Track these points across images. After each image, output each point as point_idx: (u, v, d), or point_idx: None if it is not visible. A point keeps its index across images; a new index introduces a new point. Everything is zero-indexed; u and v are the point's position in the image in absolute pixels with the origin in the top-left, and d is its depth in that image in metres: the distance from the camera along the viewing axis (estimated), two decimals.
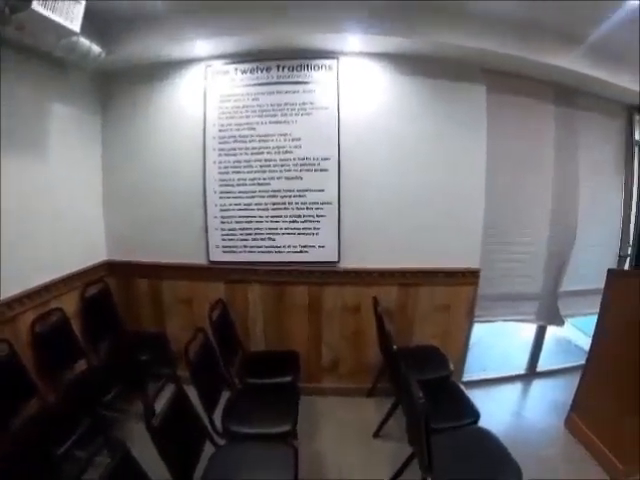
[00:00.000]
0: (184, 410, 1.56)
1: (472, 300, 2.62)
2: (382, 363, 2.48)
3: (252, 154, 2.52)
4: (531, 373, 3.02)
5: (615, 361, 2.17)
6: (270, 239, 2.55)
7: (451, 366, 2.32)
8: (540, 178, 2.79)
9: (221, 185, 2.56)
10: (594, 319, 2.34)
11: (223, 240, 2.59)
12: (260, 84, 2.49)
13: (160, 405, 1.44)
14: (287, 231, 2.53)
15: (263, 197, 2.53)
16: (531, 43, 2.29)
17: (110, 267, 2.75)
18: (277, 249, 2.55)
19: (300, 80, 2.47)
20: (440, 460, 1.51)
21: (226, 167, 2.54)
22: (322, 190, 2.49)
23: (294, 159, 2.49)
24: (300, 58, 2.44)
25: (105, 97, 2.65)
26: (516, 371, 3.03)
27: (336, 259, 2.53)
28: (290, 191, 2.50)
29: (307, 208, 2.50)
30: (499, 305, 2.79)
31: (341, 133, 2.46)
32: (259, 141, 2.51)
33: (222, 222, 2.58)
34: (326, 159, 2.47)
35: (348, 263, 2.53)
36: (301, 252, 2.53)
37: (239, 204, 2.55)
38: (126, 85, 2.61)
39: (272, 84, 2.48)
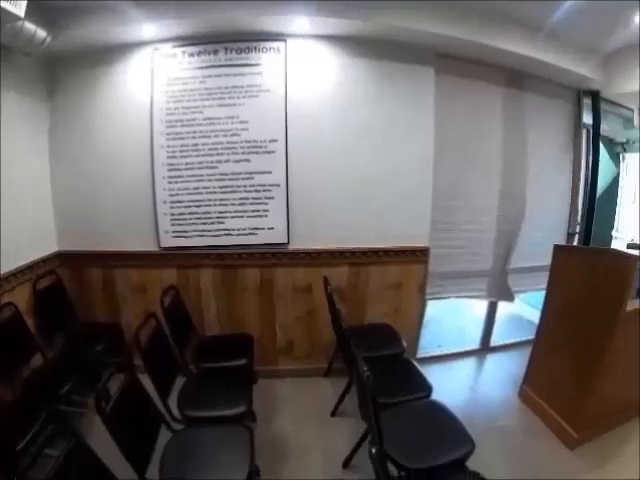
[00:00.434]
0: (137, 396, 1.56)
1: (423, 278, 2.67)
2: (337, 342, 2.51)
3: (200, 137, 2.48)
4: (485, 348, 3.10)
5: (562, 334, 2.26)
6: (219, 222, 2.53)
7: (404, 343, 2.35)
8: (489, 159, 2.85)
9: (169, 170, 2.52)
10: (543, 295, 2.41)
11: (173, 225, 2.56)
12: (207, 67, 2.45)
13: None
14: (236, 214, 2.52)
15: (211, 181, 2.50)
16: (482, 27, 2.33)
17: (61, 258, 2.68)
18: (227, 232, 2.54)
19: (248, 63, 2.45)
20: (391, 433, 1.52)
21: (174, 151, 2.50)
22: (270, 172, 2.48)
23: (242, 142, 2.47)
24: (248, 41, 2.42)
25: (52, 83, 2.55)
26: (471, 346, 3.11)
27: (285, 240, 2.53)
28: (238, 174, 2.49)
29: (255, 190, 2.50)
30: (450, 282, 2.85)
31: (289, 115, 2.45)
32: (207, 124, 2.47)
33: (171, 207, 2.55)
34: (274, 141, 2.47)
35: (298, 244, 2.54)
36: (250, 234, 2.53)
37: (188, 188, 2.52)
38: (74, 70, 2.53)
39: (219, 67, 2.45)
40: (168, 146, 2.51)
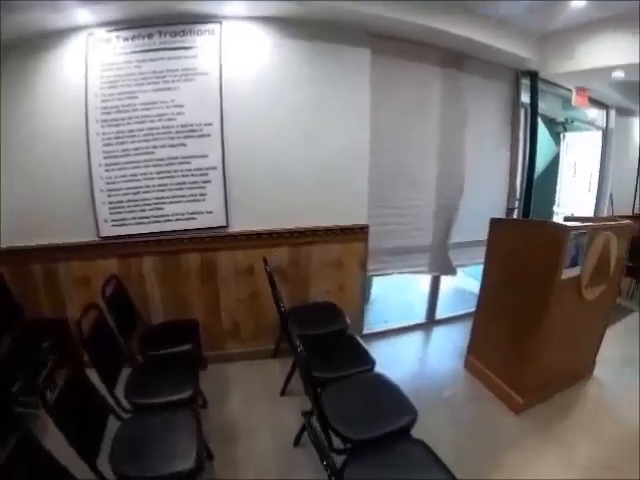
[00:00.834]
0: (81, 386, 1.56)
1: (364, 255, 2.73)
2: (280, 323, 2.55)
3: (135, 123, 2.45)
4: (430, 321, 3.21)
5: (500, 304, 2.35)
6: (158, 209, 2.52)
7: (347, 319, 2.40)
8: (428, 137, 2.94)
9: (106, 157, 2.48)
10: None
11: (111, 214, 2.53)
12: (142, 51, 2.41)
13: None
14: (174, 199, 2.51)
15: (148, 167, 2.48)
16: (419, 8, 2.37)
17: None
18: (166, 218, 2.52)
19: (182, 46, 2.42)
20: (335, 407, 1.56)
21: (110, 138, 2.46)
22: (206, 156, 2.48)
23: (177, 126, 2.45)
24: (182, 23, 2.39)
25: None
26: (416, 321, 3.21)
27: (225, 224, 2.55)
28: (174, 159, 2.47)
29: (192, 175, 2.49)
30: (393, 259, 2.93)
31: (224, 98, 2.44)
32: (142, 110, 2.44)
33: (109, 195, 2.51)
34: (209, 124, 2.46)
35: (237, 227, 2.55)
36: (189, 219, 2.53)
37: (125, 175, 2.49)
38: (12, 60, 2.42)
39: (154, 51, 2.42)
40: (104, 133, 2.46)
